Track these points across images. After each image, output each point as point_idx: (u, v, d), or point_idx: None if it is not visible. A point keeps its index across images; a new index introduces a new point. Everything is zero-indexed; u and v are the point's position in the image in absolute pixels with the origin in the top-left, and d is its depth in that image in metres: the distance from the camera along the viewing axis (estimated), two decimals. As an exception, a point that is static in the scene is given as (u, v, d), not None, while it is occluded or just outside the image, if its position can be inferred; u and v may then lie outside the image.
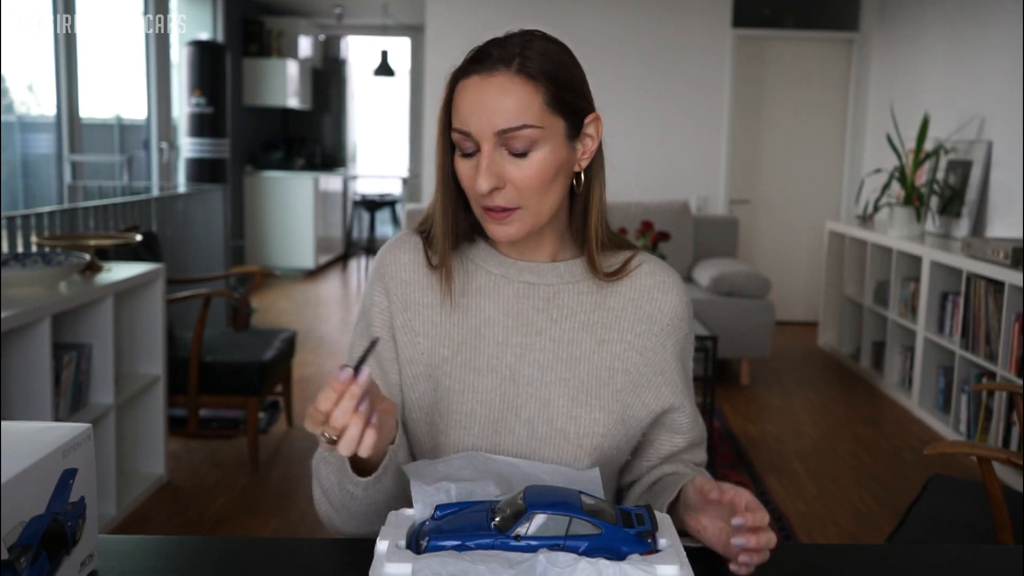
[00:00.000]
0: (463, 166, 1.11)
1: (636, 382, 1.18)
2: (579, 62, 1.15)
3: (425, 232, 1.22)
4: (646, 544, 0.94)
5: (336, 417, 0.92)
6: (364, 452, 0.94)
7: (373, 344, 0.99)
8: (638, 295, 1.20)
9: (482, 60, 1.08)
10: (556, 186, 1.12)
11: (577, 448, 1.14)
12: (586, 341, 1.18)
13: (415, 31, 9.03)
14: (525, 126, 1.06)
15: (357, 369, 0.93)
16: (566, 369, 1.16)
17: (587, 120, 1.13)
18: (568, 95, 1.10)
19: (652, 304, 1.20)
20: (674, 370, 1.21)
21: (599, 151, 1.17)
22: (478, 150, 1.09)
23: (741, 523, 0.97)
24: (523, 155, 1.08)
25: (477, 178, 1.08)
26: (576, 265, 1.20)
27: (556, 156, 1.10)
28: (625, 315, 1.19)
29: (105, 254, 3.34)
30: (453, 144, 1.12)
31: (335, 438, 0.93)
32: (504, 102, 1.06)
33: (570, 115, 1.11)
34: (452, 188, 1.15)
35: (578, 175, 1.16)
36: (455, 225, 1.17)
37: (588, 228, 1.17)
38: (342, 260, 9.16)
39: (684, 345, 1.23)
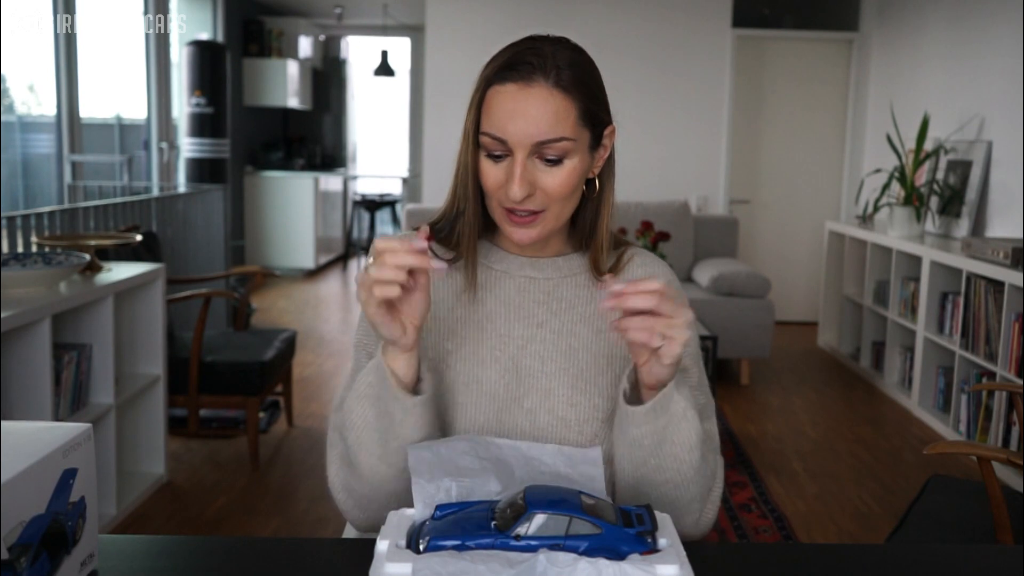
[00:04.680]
0: (490, 169, 1.13)
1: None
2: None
3: (439, 228, 1.24)
4: (646, 544, 0.94)
5: (399, 258, 0.98)
6: (415, 319, 1.03)
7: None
8: None
9: (518, 68, 1.10)
10: (577, 192, 1.17)
11: (579, 435, 1.17)
12: (584, 332, 1.22)
13: (415, 31, 9.03)
14: (563, 139, 1.10)
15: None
16: (565, 359, 1.20)
17: (606, 132, 1.18)
18: (597, 109, 1.14)
19: None
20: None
21: (612, 158, 1.21)
22: (508, 155, 1.11)
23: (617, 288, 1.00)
24: (555, 165, 1.11)
25: (510, 185, 1.11)
26: (574, 260, 1.25)
27: (582, 165, 1.14)
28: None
29: (105, 254, 3.34)
30: (478, 144, 1.14)
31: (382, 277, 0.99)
32: (543, 114, 1.09)
33: (596, 127, 1.15)
34: (477, 184, 1.17)
35: (590, 180, 1.20)
36: (480, 221, 1.20)
37: (597, 232, 1.22)
38: (342, 260, 9.16)
39: None
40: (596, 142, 1.16)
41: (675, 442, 1.09)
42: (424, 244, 1.00)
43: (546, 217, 1.15)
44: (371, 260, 1.01)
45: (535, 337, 1.20)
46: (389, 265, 0.99)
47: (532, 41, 1.13)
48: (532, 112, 1.09)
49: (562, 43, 1.14)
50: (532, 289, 1.22)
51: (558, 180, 1.12)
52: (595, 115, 1.14)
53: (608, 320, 1.20)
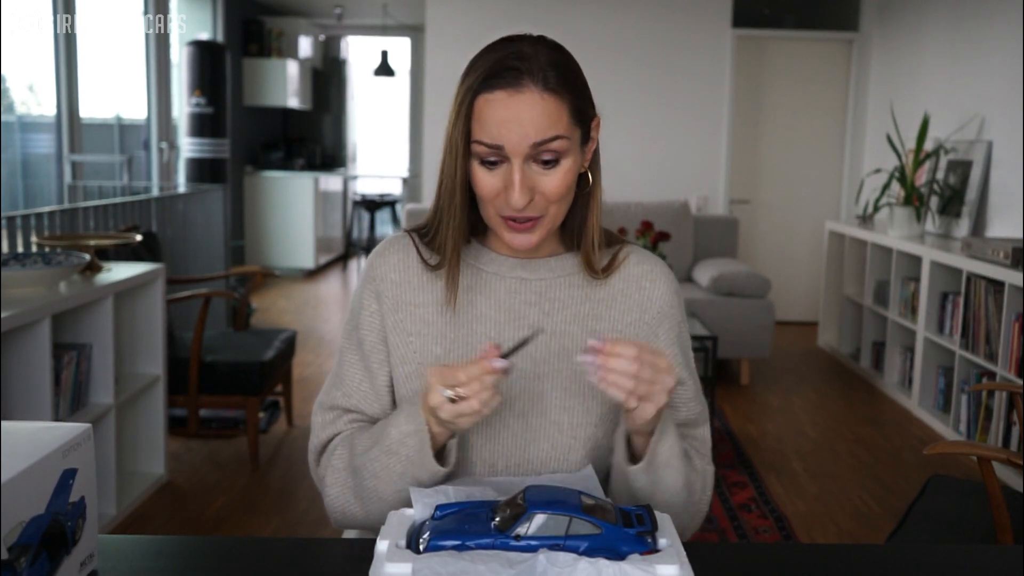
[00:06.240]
0: (486, 177, 1.12)
1: None
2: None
3: (426, 232, 1.23)
4: (646, 544, 0.94)
5: (474, 387, 1.01)
6: (466, 424, 1.04)
7: (528, 338, 1.06)
8: (627, 285, 1.23)
9: (503, 75, 1.08)
10: (572, 191, 1.16)
11: (571, 439, 1.16)
12: (577, 333, 1.20)
13: (415, 31, 9.03)
14: (558, 137, 1.09)
15: (507, 356, 1.02)
16: (558, 361, 1.18)
17: (593, 124, 1.17)
18: (584, 105, 1.14)
19: (641, 293, 1.23)
20: (669, 356, 1.22)
21: (597, 150, 1.20)
22: (503, 161, 1.10)
23: (595, 343, 1.01)
24: (552, 165, 1.10)
25: (510, 193, 1.10)
26: (567, 259, 1.23)
27: (576, 163, 1.14)
28: (615, 305, 1.22)
29: (105, 254, 3.34)
30: (468, 153, 1.12)
31: (456, 399, 1.02)
32: (537, 118, 1.08)
33: (584, 123, 1.14)
34: (465, 195, 1.15)
35: (582, 176, 1.18)
36: (465, 230, 1.18)
37: (587, 228, 1.20)
38: (342, 260, 9.16)
39: (679, 331, 1.26)
40: (586, 137, 1.16)
41: (665, 489, 1.13)
42: (502, 364, 1.02)
43: (544, 221, 1.14)
44: (450, 393, 1.02)
45: None
46: (483, 398, 1.02)
47: (511, 44, 1.11)
48: (525, 117, 1.08)
49: (542, 42, 1.13)
50: (523, 290, 1.20)
51: (555, 181, 1.11)
52: (584, 112, 1.14)
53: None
